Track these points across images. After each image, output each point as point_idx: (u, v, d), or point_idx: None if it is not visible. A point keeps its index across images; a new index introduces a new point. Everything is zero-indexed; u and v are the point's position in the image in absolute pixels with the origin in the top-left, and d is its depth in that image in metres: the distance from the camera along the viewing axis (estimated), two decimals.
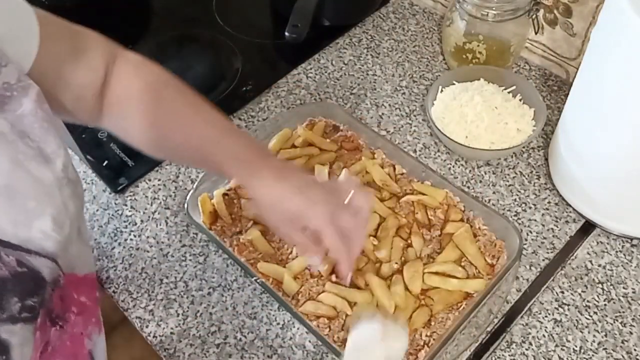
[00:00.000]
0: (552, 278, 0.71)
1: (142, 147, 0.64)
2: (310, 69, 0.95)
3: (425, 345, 0.64)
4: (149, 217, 0.79)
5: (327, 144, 0.80)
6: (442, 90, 0.84)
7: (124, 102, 0.61)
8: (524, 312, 0.69)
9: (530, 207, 0.77)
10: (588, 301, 0.69)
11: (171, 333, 0.69)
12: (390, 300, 0.64)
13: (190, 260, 0.75)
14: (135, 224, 0.79)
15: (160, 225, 0.78)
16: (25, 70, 0.51)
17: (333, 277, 0.68)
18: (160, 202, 0.80)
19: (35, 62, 0.52)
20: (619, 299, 0.69)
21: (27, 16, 0.52)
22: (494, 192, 0.79)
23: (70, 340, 0.56)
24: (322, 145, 0.80)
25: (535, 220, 0.76)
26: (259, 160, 0.61)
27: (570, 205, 0.77)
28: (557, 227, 0.75)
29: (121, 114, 0.62)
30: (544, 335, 0.67)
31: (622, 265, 0.72)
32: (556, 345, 0.66)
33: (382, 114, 0.89)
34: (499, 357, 0.66)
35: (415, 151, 0.84)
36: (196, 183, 0.74)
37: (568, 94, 0.73)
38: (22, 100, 0.48)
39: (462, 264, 0.69)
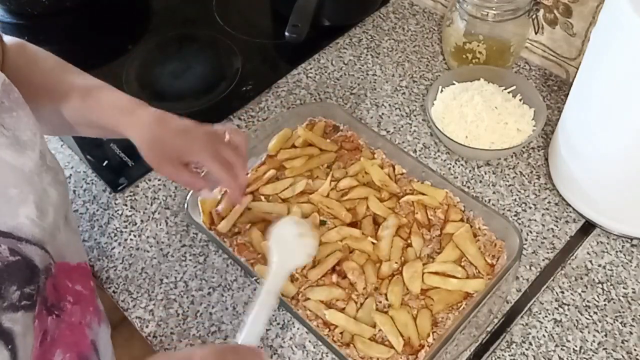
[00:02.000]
0: (552, 278, 0.71)
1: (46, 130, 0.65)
2: (310, 69, 0.95)
3: (426, 345, 0.64)
4: (149, 217, 0.79)
5: (327, 144, 0.80)
6: (442, 90, 0.84)
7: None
8: (524, 312, 0.69)
9: (530, 207, 0.77)
10: (588, 301, 0.69)
11: (171, 333, 0.69)
12: (397, 337, 0.64)
13: (190, 260, 0.75)
14: (135, 224, 0.79)
15: (160, 225, 0.78)
16: None
17: (334, 277, 0.68)
18: (160, 202, 0.80)
19: None
20: (619, 299, 0.69)
21: None
22: (494, 192, 0.79)
23: (70, 329, 0.56)
24: (321, 145, 0.80)
25: (535, 220, 0.76)
26: (137, 106, 0.64)
27: (570, 205, 0.77)
28: (557, 227, 0.75)
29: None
30: (544, 335, 0.67)
31: (622, 265, 0.72)
32: (556, 345, 0.66)
33: (382, 114, 0.89)
34: (499, 357, 0.66)
35: (415, 151, 0.84)
36: None
37: (568, 94, 0.73)
38: None
39: (462, 263, 0.69)
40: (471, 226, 0.71)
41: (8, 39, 0.65)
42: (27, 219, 0.48)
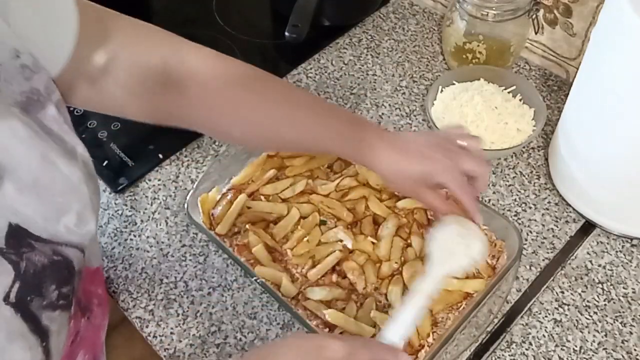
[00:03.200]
0: (552, 278, 0.71)
1: (240, 143, 0.68)
2: (310, 69, 0.95)
3: (426, 345, 0.64)
4: (149, 217, 0.79)
5: None
6: (442, 90, 0.84)
7: (213, 96, 0.61)
8: (524, 312, 0.69)
9: (530, 207, 0.77)
10: (588, 301, 0.69)
11: (171, 333, 0.69)
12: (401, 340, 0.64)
13: (190, 260, 0.75)
14: (135, 224, 0.79)
15: (160, 225, 0.78)
16: (53, 74, 0.51)
17: (334, 277, 0.68)
18: (160, 202, 0.80)
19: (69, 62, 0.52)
20: (619, 299, 0.69)
21: (67, 16, 0.51)
22: (494, 192, 0.79)
23: (92, 330, 0.57)
24: None
25: (535, 220, 0.76)
26: (363, 132, 0.62)
27: (570, 205, 0.77)
28: (557, 227, 0.75)
29: (212, 108, 0.62)
30: (544, 335, 0.67)
31: (622, 265, 0.72)
32: (556, 345, 0.66)
33: (382, 114, 0.89)
34: (499, 357, 0.66)
35: None
36: (196, 183, 0.74)
37: (568, 94, 0.73)
38: (46, 104, 0.48)
39: None
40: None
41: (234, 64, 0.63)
42: (64, 228, 0.48)
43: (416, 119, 0.88)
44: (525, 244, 0.74)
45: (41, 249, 0.45)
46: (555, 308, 0.69)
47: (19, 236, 0.44)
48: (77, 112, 0.89)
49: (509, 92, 0.83)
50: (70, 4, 0.51)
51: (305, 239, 0.71)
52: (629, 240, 0.74)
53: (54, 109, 0.49)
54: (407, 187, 0.63)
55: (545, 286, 0.71)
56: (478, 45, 0.86)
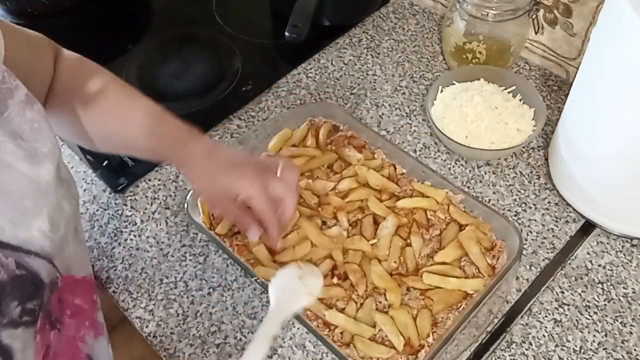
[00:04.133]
0: (552, 278, 0.71)
1: (81, 141, 0.67)
2: (310, 69, 0.95)
3: (426, 345, 0.64)
4: (149, 217, 0.79)
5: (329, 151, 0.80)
6: (442, 90, 0.84)
7: (60, 97, 0.62)
8: (524, 312, 0.69)
9: (530, 207, 0.77)
10: (588, 301, 0.69)
11: (171, 333, 0.69)
12: (398, 337, 0.64)
13: (190, 260, 0.75)
14: (135, 224, 0.79)
15: (160, 225, 0.78)
16: None
17: (335, 280, 0.68)
18: (160, 202, 0.80)
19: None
20: (619, 299, 0.69)
21: None
22: (494, 192, 0.79)
23: (66, 342, 0.55)
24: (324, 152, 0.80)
25: (535, 220, 0.76)
26: (190, 141, 0.64)
27: (570, 205, 0.77)
28: (557, 227, 0.75)
29: (61, 111, 0.63)
30: (544, 335, 0.67)
31: (622, 265, 0.72)
32: (556, 345, 0.66)
33: (382, 114, 0.89)
34: (499, 357, 0.66)
35: (415, 151, 0.84)
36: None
37: (568, 94, 0.73)
38: (7, 102, 0.48)
39: (462, 264, 0.69)
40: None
41: (67, 52, 0.66)
42: (38, 232, 0.47)
43: (416, 119, 0.88)
44: (525, 244, 0.74)
45: (3, 261, 0.44)
46: (555, 308, 0.69)
47: None
48: None
49: (509, 92, 0.83)
50: None
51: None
52: (629, 240, 0.74)
53: (16, 106, 0.48)
54: (213, 198, 0.64)
55: (545, 286, 0.71)
56: (478, 45, 0.86)
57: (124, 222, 0.79)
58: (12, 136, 0.47)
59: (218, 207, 0.66)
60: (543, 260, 0.73)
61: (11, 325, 0.44)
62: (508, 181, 0.80)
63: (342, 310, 0.66)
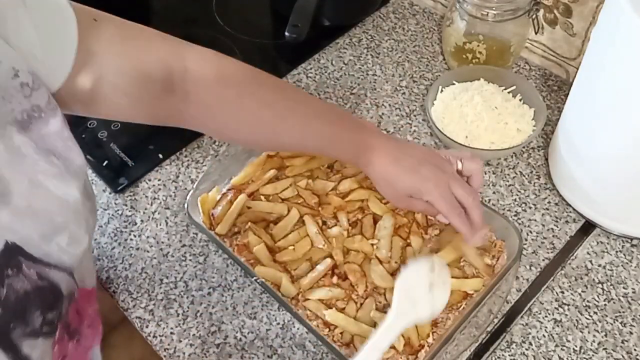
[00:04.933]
0: (552, 278, 0.71)
1: (243, 144, 0.71)
2: (310, 69, 0.95)
3: (426, 345, 0.64)
4: (149, 217, 0.79)
5: None
6: (442, 90, 0.84)
7: (210, 102, 0.61)
8: (524, 312, 0.69)
9: (530, 207, 0.77)
10: (588, 301, 0.69)
11: (171, 333, 0.69)
12: (398, 337, 0.64)
13: (190, 260, 0.75)
14: (135, 224, 0.79)
15: (160, 225, 0.78)
16: (54, 89, 0.50)
17: (334, 279, 0.68)
18: (160, 202, 0.80)
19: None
20: (619, 299, 0.69)
21: (67, 30, 0.50)
22: (494, 192, 0.79)
23: (81, 351, 0.56)
24: None
25: (535, 220, 0.76)
26: (367, 140, 0.64)
27: (570, 205, 0.77)
28: (557, 227, 0.75)
29: (204, 113, 0.62)
30: (544, 335, 0.67)
31: (622, 265, 0.72)
32: (556, 345, 0.66)
33: (382, 114, 0.89)
34: (499, 357, 0.66)
35: None
36: (196, 183, 0.74)
37: (568, 94, 0.73)
38: (49, 121, 0.48)
39: (462, 264, 0.69)
40: None
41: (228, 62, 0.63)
42: (56, 246, 0.47)
43: (416, 119, 0.88)
44: (525, 244, 0.74)
45: (27, 272, 0.44)
46: (555, 308, 0.69)
47: (10, 255, 0.43)
48: None
49: (509, 92, 0.83)
50: (70, 18, 0.50)
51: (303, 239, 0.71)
52: (629, 240, 0.74)
53: (58, 124, 0.48)
54: (397, 198, 0.65)
55: (545, 286, 0.71)
56: (478, 45, 0.86)
57: (124, 222, 0.79)
58: (46, 154, 0.47)
59: (402, 205, 0.67)
60: (543, 260, 0.73)
61: (32, 335, 0.45)
62: (508, 181, 0.80)
63: (342, 310, 0.66)
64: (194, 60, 0.60)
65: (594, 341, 0.67)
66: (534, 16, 0.82)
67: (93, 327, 0.59)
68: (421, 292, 0.58)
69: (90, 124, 0.88)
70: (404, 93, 0.91)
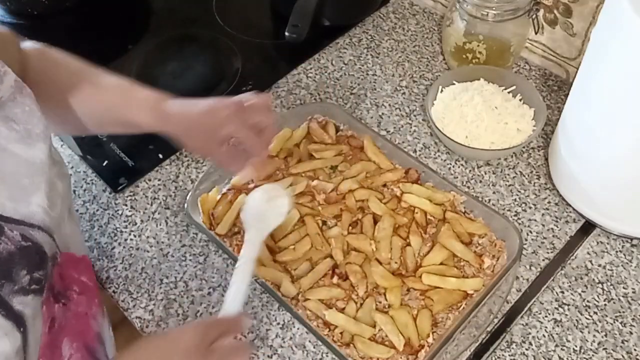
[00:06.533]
0: (552, 278, 0.71)
1: (61, 128, 0.70)
2: (310, 69, 0.95)
3: (426, 345, 0.64)
4: (149, 217, 0.79)
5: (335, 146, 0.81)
6: (442, 90, 0.84)
7: (36, 88, 0.63)
8: (524, 312, 0.69)
9: (530, 207, 0.77)
10: (588, 301, 0.69)
11: None
12: (398, 336, 0.64)
13: (190, 260, 0.75)
14: (135, 224, 0.79)
15: (160, 225, 0.78)
16: None
17: (335, 279, 0.68)
18: (160, 202, 0.80)
19: None
20: (619, 299, 0.69)
21: None
22: (494, 192, 0.79)
23: (76, 319, 0.58)
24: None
25: (535, 220, 0.76)
26: (164, 102, 0.66)
27: (570, 205, 0.77)
28: (557, 227, 0.75)
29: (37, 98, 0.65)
30: (544, 335, 0.67)
31: (622, 265, 0.72)
32: (556, 345, 0.66)
33: (382, 114, 0.89)
34: (499, 357, 0.66)
35: (415, 151, 0.84)
36: (196, 183, 0.74)
37: (568, 94, 0.73)
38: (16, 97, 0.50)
39: (462, 264, 0.70)
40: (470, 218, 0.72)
41: (28, 44, 0.67)
42: (38, 207, 0.50)
43: (416, 119, 0.88)
44: (525, 244, 0.74)
45: (9, 234, 0.46)
46: (555, 308, 0.69)
47: None
48: None
49: (509, 92, 0.83)
50: None
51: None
52: (629, 240, 0.74)
53: (7, 91, 0.51)
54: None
55: (545, 286, 0.71)
56: (478, 45, 0.86)
57: (124, 222, 0.79)
58: (5, 120, 0.50)
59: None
60: (543, 260, 0.73)
61: (22, 292, 0.47)
62: (508, 181, 0.80)
63: (342, 310, 0.66)
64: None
65: (594, 341, 0.67)
66: (534, 16, 0.82)
67: (86, 296, 0.60)
68: (265, 207, 0.67)
69: None
70: (404, 93, 0.91)
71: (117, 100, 0.66)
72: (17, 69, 0.62)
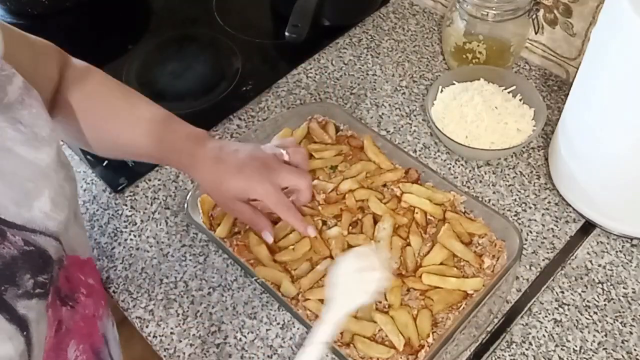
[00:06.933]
0: (552, 278, 0.71)
1: (86, 147, 0.69)
2: (310, 69, 0.95)
3: (426, 345, 0.64)
4: (149, 217, 0.79)
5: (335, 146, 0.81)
6: (442, 90, 0.84)
7: (68, 106, 0.64)
8: (524, 312, 0.69)
9: (530, 207, 0.77)
10: (588, 301, 0.69)
11: (171, 333, 0.69)
12: (398, 336, 0.64)
13: (190, 260, 0.75)
14: (135, 224, 0.79)
15: (160, 225, 0.78)
16: None
17: None
18: (160, 202, 0.80)
19: None
20: (619, 299, 0.69)
21: None
22: (494, 192, 0.79)
23: (83, 321, 0.58)
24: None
25: (535, 220, 0.76)
26: (196, 147, 0.65)
27: (570, 205, 0.77)
28: (557, 227, 0.75)
29: (65, 116, 0.65)
30: (544, 335, 0.67)
31: (622, 265, 0.72)
32: (556, 345, 0.67)
33: (382, 114, 0.89)
34: (499, 357, 0.66)
35: (415, 151, 0.84)
36: (196, 183, 0.74)
37: (568, 94, 0.73)
38: (6, 89, 0.50)
39: (462, 264, 0.69)
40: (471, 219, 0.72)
41: (76, 61, 0.68)
42: (40, 212, 0.49)
43: (416, 119, 0.88)
44: (525, 244, 0.74)
45: (12, 239, 0.46)
46: (555, 308, 0.69)
47: None
48: None
49: (509, 92, 0.83)
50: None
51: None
52: (629, 240, 0.74)
53: (16, 92, 0.50)
54: (225, 202, 0.66)
55: (545, 286, 0.71)
56: (478, 45, 0.86)
57: (124, 222, 0.79)
58: (12, 122, 0.49)
59: (230, 211, 0.69)
60: (543, 260, 0.73)
61: (26, 296, 0.47)
62: (508, 181, 0.80)
63: None
64: (68, 79, 0.66)
65: (594, 341, 0.67)
66: (534, 16, 0.82)
67: (93, 298, 0.60)
68: (351, 280, 0.59)
69: None
70: (404, 93, 0.91)
71: (148, 135, 0.65)
72: (48, 83, 0.63)
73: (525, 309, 0.69)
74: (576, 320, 0.68)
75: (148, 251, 0.76)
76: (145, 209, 0.80)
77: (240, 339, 0.68)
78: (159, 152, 0.66)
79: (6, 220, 0.46)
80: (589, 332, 0.67)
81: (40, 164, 0.50)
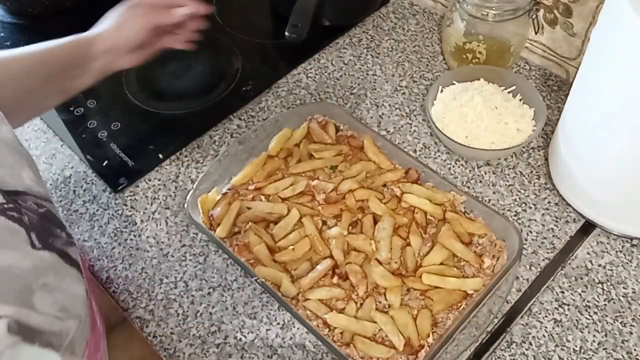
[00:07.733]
0: (552, 278, 0.71)
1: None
2: (310, 69, 0.95)
3: (426, 345, 0.64)
4: (149, 217, 0.79)
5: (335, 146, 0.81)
6: (442, 90, 0.84)
7: None
8: (524, 312, 0.69)
9: (530, 207, 0.77)
10: (588, 301, 0.69)
11: (171, 333, 0.69)
12: (398, 336, 0.64)
13: (190, 260, 0.75)
14: (135, 224, 0.79)
15: (160, 225, 0.78)
16: None
17: (335, 279, 0.68)
18: (160, 202, 0.80)
19: None
20: (619, 299, 0.69)
21: None
22: (494, 192, 0.79)
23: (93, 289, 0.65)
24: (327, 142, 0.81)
25: (535, 220, 0.76)
26: (84, 39, 0.71)
27: (570, 205, 0.77)
28: (557, 227, 0.75)
29: None
30: (544, 335, 0.67)
31: (622, 265, 0.72)
32: (556, 345, 0.67)
33: (382, 114, 0.89)
34: (499, 357, 0.66)
35: (415, 151, 0.84)
36: (196, 183, 0.74)
37: (568, 94, 0.73)
38: None
39: (462, 264, 0.70)
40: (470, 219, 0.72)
41: None
42: (30, 181, 0.52)
43: (416, 119, 0.88)
44: (525, 244, 0.74)
45: (25, 205, 0.49)
46: (555, 308, 0.69)
47: (5, 192, 0.48)
48: (77, 112, 0.89)
49: (509, 92, 0.83)
50: None
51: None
52: (629, 240, 0.74)
53: None
54: (141, 47, 0.74)
55: (545, 286, 0.71)
56: (478, 45, 0.86)
57: (124, 222, 0.79)
58: None
59: (149, 48, 0.75)
60: (543, 260, 0.73)
61: (68, 244, 0.51)
62: (508, 181, 0.80)
63: (342, 310, 0.66)
64: None
65: (594, 341, 0.67)
66: (534, 16, 0.82)
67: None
68: None
69: (90, 124, 0.88)
70: (404, 93, 0.91)
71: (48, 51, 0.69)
72: None
73: (525, 309, 0.69)
74: (576, 320, 0.68)
75: (148, 251, 0.76)
76: (145, 209, 0.80)
77: (240, 339, 0.68)
78: (53, 71, 0.69)
79: (10, 190, 0.48)
80: (589, 332, 0.67)
81: (8, 141, 0.52)
